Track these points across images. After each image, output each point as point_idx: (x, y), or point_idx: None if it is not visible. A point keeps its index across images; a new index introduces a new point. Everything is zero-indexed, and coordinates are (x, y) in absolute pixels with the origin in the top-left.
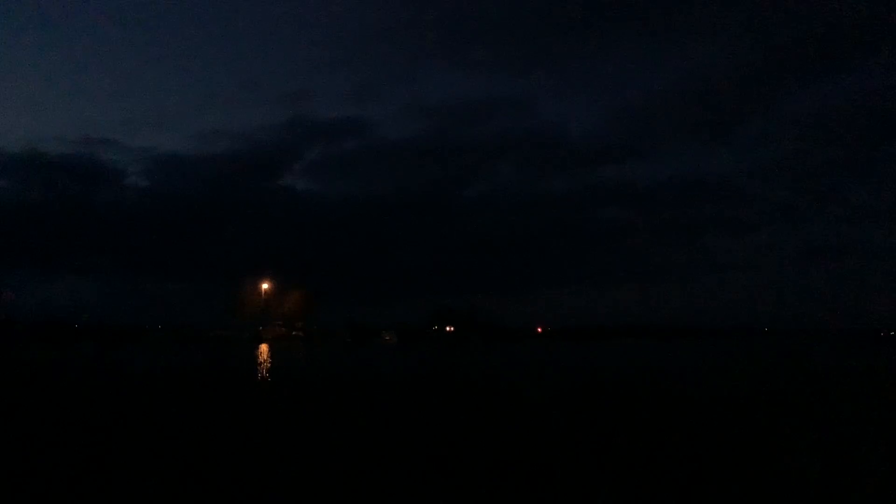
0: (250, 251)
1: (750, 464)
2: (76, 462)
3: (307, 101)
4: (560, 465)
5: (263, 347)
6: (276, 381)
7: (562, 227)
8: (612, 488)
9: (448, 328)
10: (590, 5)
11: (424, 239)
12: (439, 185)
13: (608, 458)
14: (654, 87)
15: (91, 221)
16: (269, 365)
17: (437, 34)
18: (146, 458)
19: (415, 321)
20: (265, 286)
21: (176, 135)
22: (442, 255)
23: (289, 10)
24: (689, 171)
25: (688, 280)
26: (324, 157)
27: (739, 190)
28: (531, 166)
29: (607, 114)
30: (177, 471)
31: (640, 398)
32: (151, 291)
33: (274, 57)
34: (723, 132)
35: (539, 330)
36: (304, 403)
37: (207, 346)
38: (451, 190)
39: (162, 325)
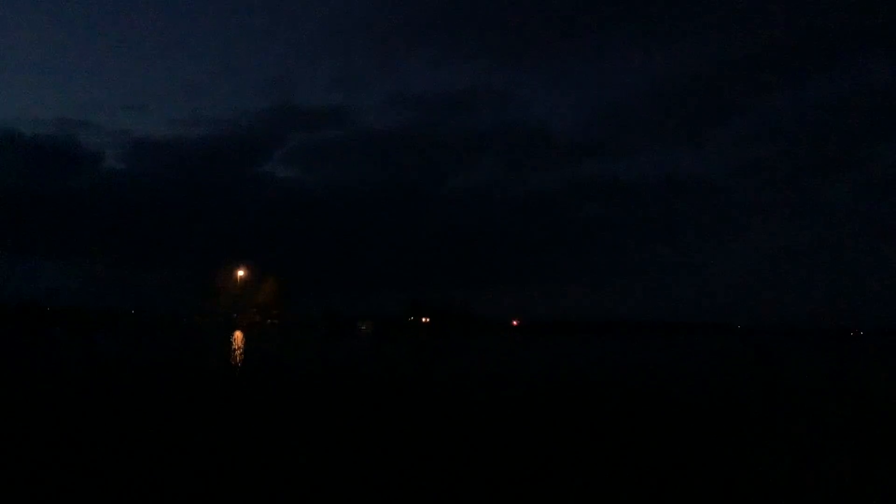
0: (228, 238)
1: (721, 461)
2: (37, 453)
3: (289, 89)
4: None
5: (237, 335)
6: (244, 371)
7: (542, 222)
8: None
9: (424, 319)
10: (575, 3)
11: (404, 230)
12: (421, 176)
13: (576, 454)
14: (637, 86)
15: (66, 204)
16: (238, 354)
17: (423, 24)
18: (109, 448)
19: (392, 312)
20: (241, 273)
21: (155, 118)
22: (421, 246)
23: None
24: (668, 170)
25: (665, 277)
26: (305, 144)
27: (717, 189)
28: (513, 160)
29: (590, 110)
30: (145, 462)
31: (610, 395)
32: (126, 276)
33: (256, 43)
34: (702, 132)
35: (515, 323)
36: (269, 394)
37: (180, 332)
38: (432, 181)
39: (136, 311)
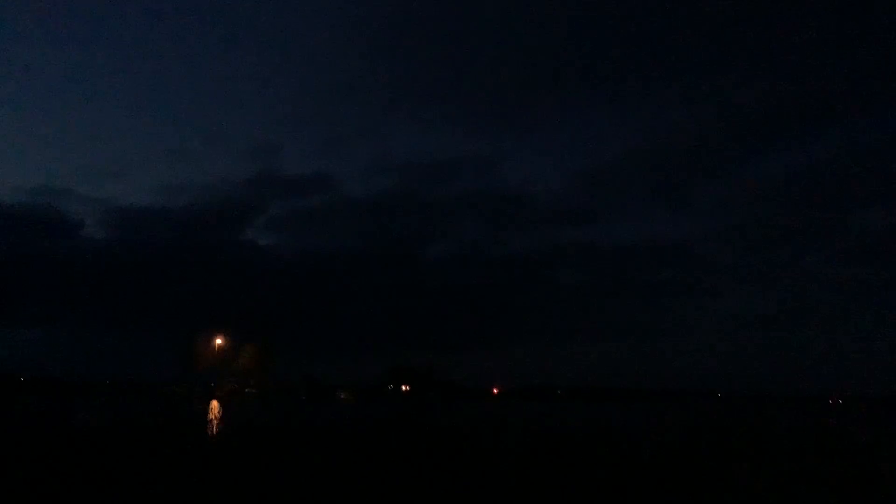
0: (209, 305)
1: None
2: None
3: (272, 156)
4: None
5: (214, 404)
6: (218, 441)
7: (523, 287)
8: None
9: (404, 387)
10: (555, 71)
11: (386, 295)
12: (403, 242)
13: None
14: (616, 152)
15: (46, 272)
16: (212, 423)
17: (405, 93)
18: None
19: (373, 378)
20: (219, 341)
21: (136, 186)
22: (403, 312)
23: (255, 64)
24: (647, 235)
25: (643, 342)
26: (287, 211)
27: (696, 254)
28: (495, 225)
29: (570, 176)
30: None
31: (592, 459)
32: (106, 345)
33: (240, 111)
34: (681, 197)
35: (495, 391)
36: (250, 462)
37: (157, 401)
38: (414, 247)
39: (111, 381)
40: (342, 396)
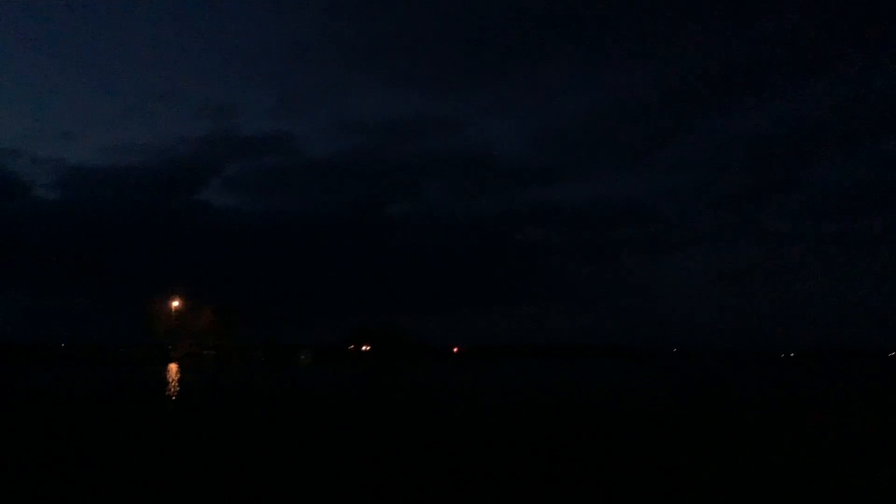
0: (165, 267)
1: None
2: None
3: (229, 115)
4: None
5: (172, 367)
6: (169, 408)
7: (486, 247)
8: None
9: (364, 346)
10: (517, 31)
11: (347, 257)
12: (364, 202)
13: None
14: (578, 112)
15: None
16: (171, 387)
17: (365, 52)
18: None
19: (335, 340)
20: (176, 303)
21: (88, 146)
22: (365, 273)
23: (212, 22)
24: (609, 194)
25: (605, 300)
26: (244, 172)
27: (657, 213)
28: (457, 186)
29: (532, 136)
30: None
31: (563, 419)
32: (60, 308)
33: (195, 69)
34: (642, 156)
35: (455, 350)
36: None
37: (112, 365)
38: (375, 208)
39: (66, 344)
40: (301, 357)
